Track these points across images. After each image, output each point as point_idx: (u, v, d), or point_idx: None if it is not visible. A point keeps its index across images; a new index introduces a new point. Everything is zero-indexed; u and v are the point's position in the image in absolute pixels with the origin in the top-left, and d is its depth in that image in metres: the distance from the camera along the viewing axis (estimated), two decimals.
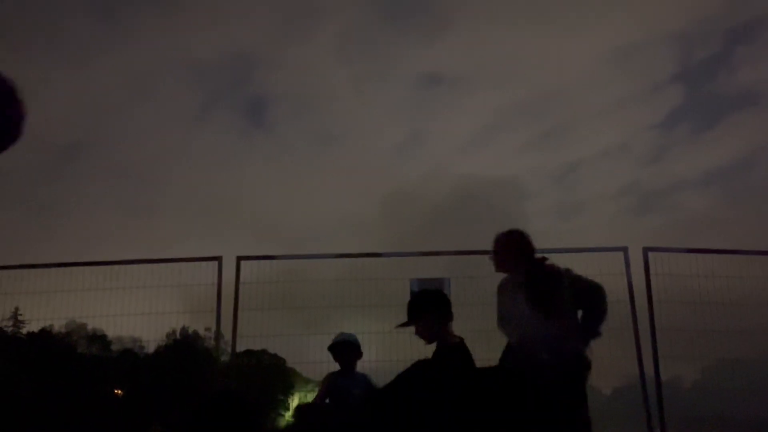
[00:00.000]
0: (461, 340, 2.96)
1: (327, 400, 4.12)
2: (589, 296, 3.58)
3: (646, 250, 5.58)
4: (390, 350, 5.00)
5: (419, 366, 2.76)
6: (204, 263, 5.73)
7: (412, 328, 3.03)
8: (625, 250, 5.59)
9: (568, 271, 3.58)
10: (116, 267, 5.77)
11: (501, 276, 3.78)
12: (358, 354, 4.17)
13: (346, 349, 4.12)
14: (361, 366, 4.22)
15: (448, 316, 3.05)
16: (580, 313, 3.59)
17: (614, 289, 5.52)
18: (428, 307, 3.04)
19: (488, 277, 5.48)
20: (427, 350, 2.95)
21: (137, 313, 5.68)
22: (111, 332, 6.03)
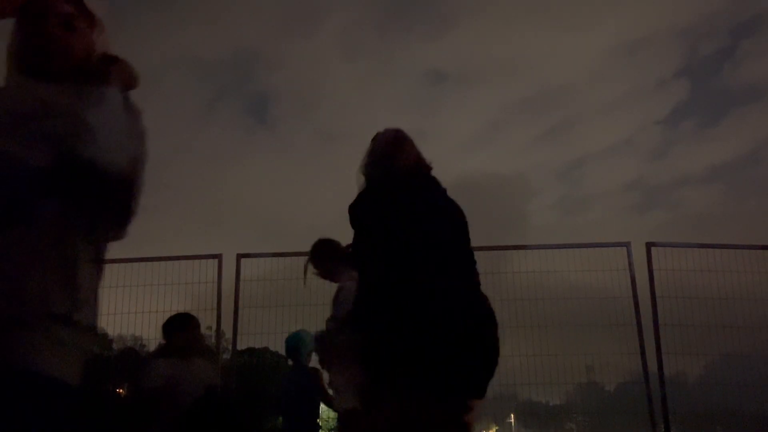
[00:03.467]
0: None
1: None
2: None
3: (649, 246, 5.55)
4: None
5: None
6: (204, 261, 5.70)
7: None
8: (628, 245, 5.57)
9: None
10: (117, 265, 5.74)
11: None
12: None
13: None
14: None
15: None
16: None
17: (617, 284, 5.52)
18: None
19: (493, 273, 5.47)
20: None
21: (138, 311, 5.66)
22: (112, 331, 6.00)
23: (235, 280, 5.59)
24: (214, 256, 5.71)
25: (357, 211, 2.16)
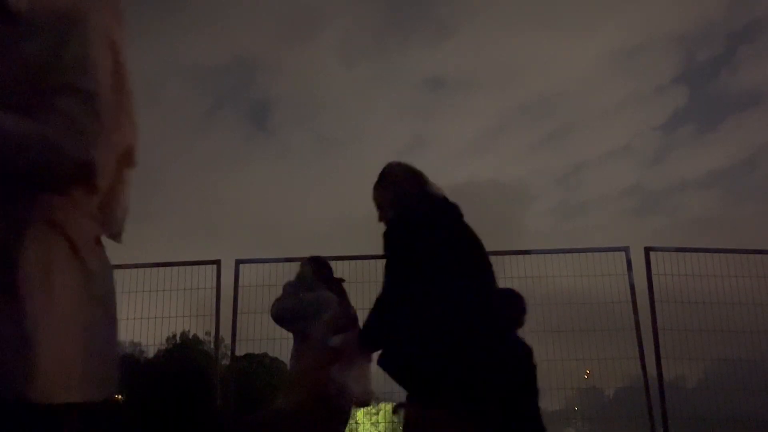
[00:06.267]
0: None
1: None
2: None
3: (647, 250, 5.55)
4: None
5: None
6: (203, 267, 5.70)
7: None
8: (626, 250, 5.57)
9: None
10: (115, 271, 5.73)
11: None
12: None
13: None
14: None
15: None
16: None
17: (616, 289, 5.52)
18: None
19: None
20: None
21: (137, 317, 5.65)
22: None
23: (234, 285, 5.58)
24: (212, 262, 5.70)
25: (398, 238, 2.31)
